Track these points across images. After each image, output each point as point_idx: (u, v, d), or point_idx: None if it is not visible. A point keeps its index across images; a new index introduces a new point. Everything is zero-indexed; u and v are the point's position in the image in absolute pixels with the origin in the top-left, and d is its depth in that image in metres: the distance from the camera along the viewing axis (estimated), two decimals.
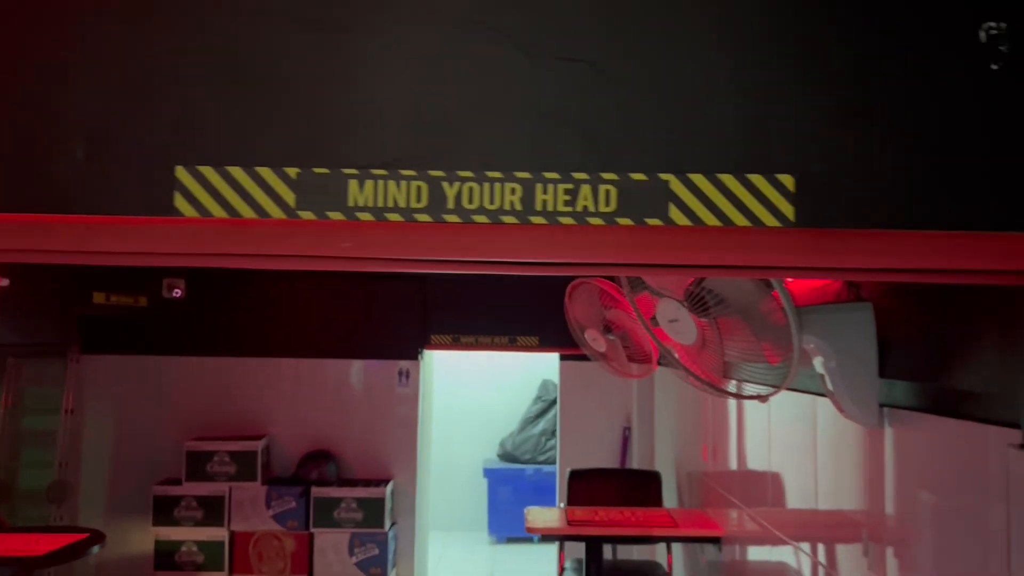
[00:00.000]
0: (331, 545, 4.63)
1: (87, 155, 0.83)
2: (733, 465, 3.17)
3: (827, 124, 0.87)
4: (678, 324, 1.74)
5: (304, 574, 4.62)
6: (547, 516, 3.40)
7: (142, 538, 4.73)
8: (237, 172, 0.84)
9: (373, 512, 4.64)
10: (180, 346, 5.03)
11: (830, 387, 1.79)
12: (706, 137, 0.87)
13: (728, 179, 0.86)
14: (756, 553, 2.89)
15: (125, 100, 0.84)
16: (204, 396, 4.98)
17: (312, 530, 4.64)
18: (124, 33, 0.85)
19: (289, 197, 0.85)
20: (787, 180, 0.87)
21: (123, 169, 0.83)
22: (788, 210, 0.87)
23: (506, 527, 6.96)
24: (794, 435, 2.46)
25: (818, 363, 1.80)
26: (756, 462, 2.87)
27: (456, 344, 5.10)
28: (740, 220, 0.86)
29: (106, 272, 4.34)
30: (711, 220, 0.86)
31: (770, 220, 0.86)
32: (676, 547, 4.14)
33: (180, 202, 0.84)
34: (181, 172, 0.84)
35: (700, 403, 3.67)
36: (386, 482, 4.79)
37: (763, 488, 2.78)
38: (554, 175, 0.86)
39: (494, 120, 0.85)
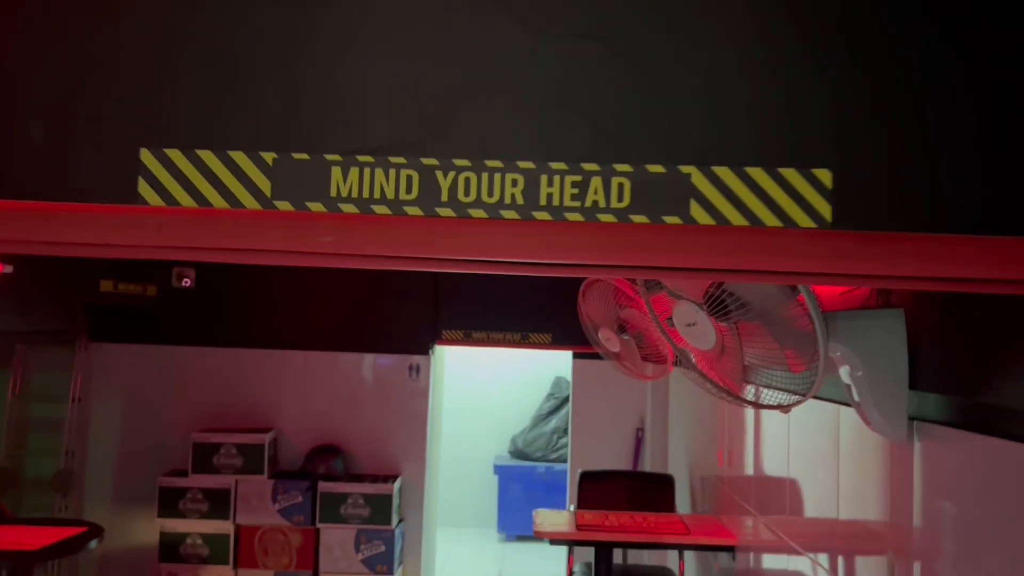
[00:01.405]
0: (337, 541, 4.56)
1: (44, 136, 0.74)
2: (749, 471, 3.06)
3: (871, 112, 0.77)
4: (696, 328, 1.64)
5: (310, 569, 4.55)
6: (556, 520, 3.31)
7: (147, 529, 4.68)
8: (208, 156, 0.75)
9: (380, 508, 4.57)
10: (189, 336, 4.97)
11: (856, 398, 1.69)
12: (733, 125, 0.77)
13: (757, 173, 0.76)
14: (771, 563, 2.79)
15: (85, 75, 0.75)
16: (212, 387, 4.92)
17: (318, 525, 4.58)
18: (86, 2, 0.76)
19: (265, 185, 0.75)
20: (824, 175, 0.77)
21: (82, 152, 0.74)
22: (825, 209, 0.77)
23: (516, 525, 6.88)
24: (815, 444, 2.36)
25: (844, 372, 1.69)
26: (773, 470, 2.77)
27: (468, 340, 5.02)
28: (770, 220, 0.76)
29: (114, 260, 4.29)
30: (737, 219, 0.76)
31: (804, 220, 0.76)
32: (688, 553, 4.04)
33: (144, 189, 0.75)
34: (146, 155, 0.75)
35: (716, 406, 3.56)
36: (394, 478, 4.72)
37: (780, 497, 2.68)
38: (561, 165, 0.76)
39: (493, 102, 0.75)
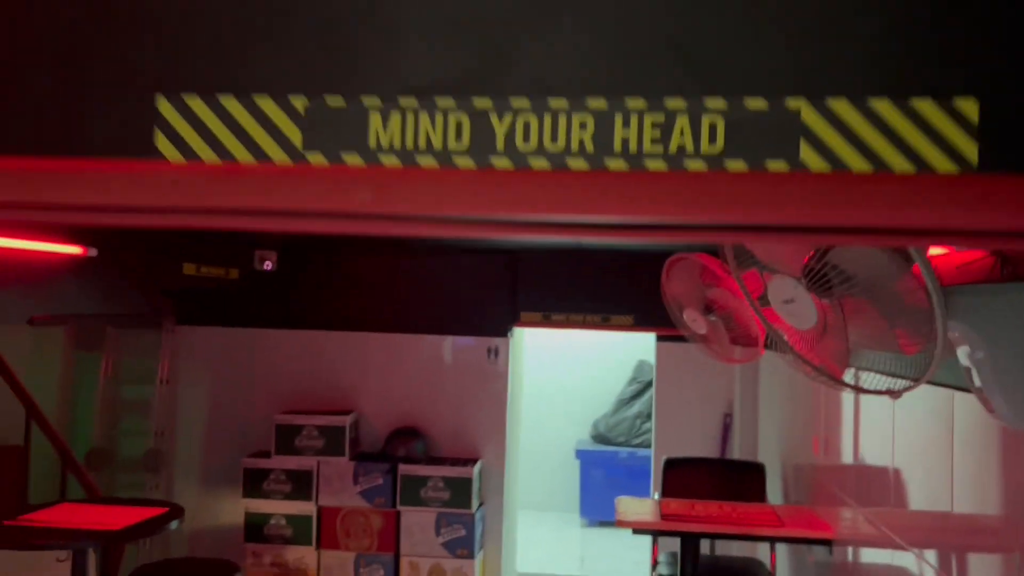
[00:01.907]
0: (417, 524, 4.53)
1: (53, 84, 0.66)
2: (848, 460, 2.86)
3: None
4: (794, 306, 1.48)
5: (391, 552, 4.54)
6: (639, 508, 3.17)
7: (233, 509, 4.75)
8: (231, 103, 0.65)
9: (460, 492, 4.52)
10: (271, 319, 5.02)
11: (977, 382, 1.50)
12: (852, 45, 0.62)
13: (883, 105, 0.61)
14: (871, 557, 2.59)
15: (98, 13, 0.66)
16: (294, 370, 4.95)
17: (399, 508, 4.56)
18: None
19: (295, 135, 0.65)
20: (968, 107, 0.61)
21: (93, 100, 0.65)
22: (969, 149, 0.61)
23: (598, 510, 6.76)
24: (925, 431, 2.16)
25: (963, 353, 1.50)
26: (876, 459, 2.56)
27: (547, 322, 4.90)
28: (900, 164, 0.61)
29: (197, 243, 4.33)
30: (858, 164, 0.61)
31: (943, 164, 0.61)
32: (780, 545, 3.84)
33: (162, 142, 0.66)
34: (163, 104, 0.66)
35: (812, 391, 3.35)
36: (474, 461, 4.66)
37: (884, 488, 2.48)
38: (639, 103, 0.62)
39: (558, 28, 0.63)
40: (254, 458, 4.68)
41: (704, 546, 4.07)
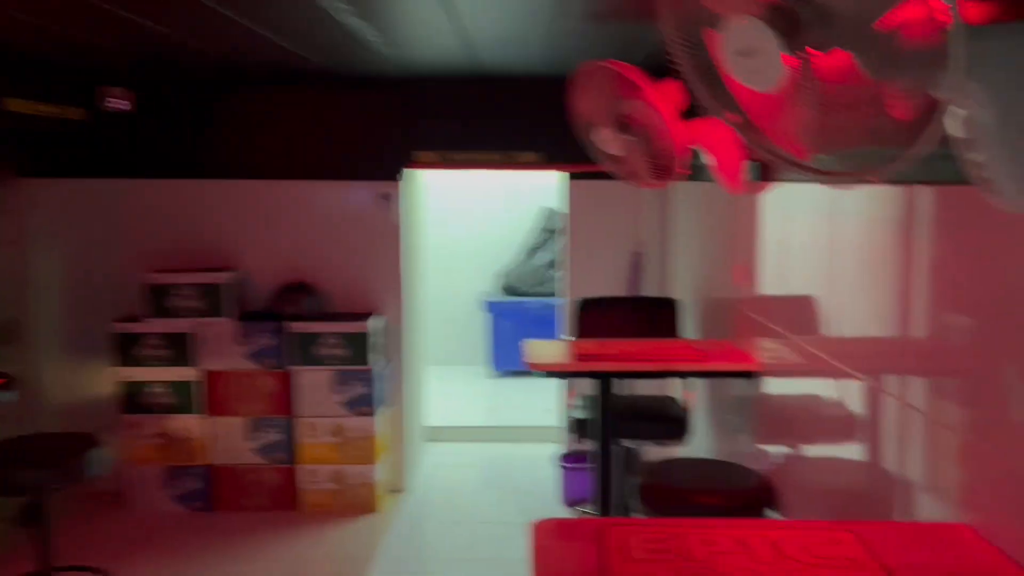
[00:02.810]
0: (313, 384, 4.21)
1: None
2: (777, 287, 2.63)
3: None
4: (753, 60, 1.12)
5: (286, 414, 4.23)
6: (549, 350, 2.91)
7: (106, 379, 4.31)
8: None
9: (357, 348, 4.19)
10: (133, 168, 4.42)
11: (977, 155, 1.19)
12: None
13: None
14: (806, 388, 2.40)
15: None
16: (164, 224, 4.42)
17: (291, 368, 4.21)
18: None
19: None
20: None
21: None
22: None
23: (508, 361, 6.60)
24: (875, 241, 1.89)
25: (958, 117, 1.19)
26: (814, 280, 2.32)
27: (444, 162, 4.47)
28: None
29: (23, 75, 3.66)
30: None
31: None
32: (698, 382, 3.69)
33: None
34: None
35: (732, 215, 3.09)
36: (371, 316, 4.31)
37: (824, 312, 2.24)
38: None
39: None
40: (124, 323, 4.20)
41: (618, 387, 3.90)
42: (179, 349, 4.18)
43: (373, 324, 4.26)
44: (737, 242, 3.00)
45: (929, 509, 1.56)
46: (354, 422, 4.21)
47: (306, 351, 4.19)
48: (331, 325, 4.20)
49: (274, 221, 4.43)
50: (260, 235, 4.43)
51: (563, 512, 4.13)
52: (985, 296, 1.41)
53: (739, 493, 2.31)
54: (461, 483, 4.68)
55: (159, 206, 4.42)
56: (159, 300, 4.17)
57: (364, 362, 4.19)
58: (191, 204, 4.42)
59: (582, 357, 2.75)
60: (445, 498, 4.48)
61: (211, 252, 4.41)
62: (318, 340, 4.19)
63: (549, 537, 1.35)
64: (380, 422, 4.32)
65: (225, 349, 4.20)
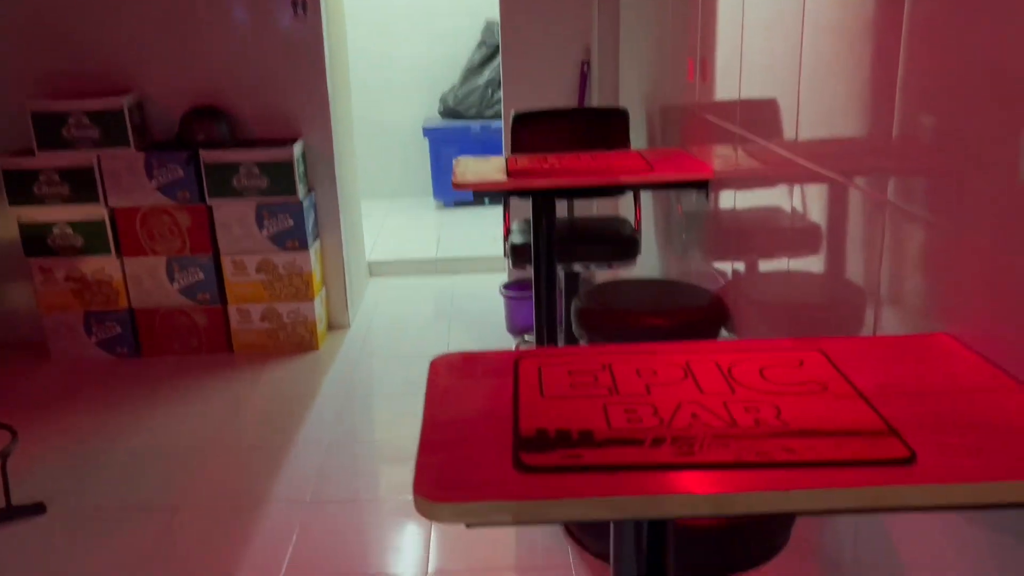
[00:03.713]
0: (234, 218, 3.87)
1: None
2: (736, 83, 2.30)
3: None
4: None
5: (208, 252, 3.91)
6: (481, 167, 2.59)
7: (3, 223, 3.92)
8: None
9: (281, 178, 3.83)
10: None
11: None
12: None
13: None
14: (763, 197, 2.13)
15: None
16: (44, 42, 3.88)
17: (209, 202, 3.85)
18: None
19: None
20: None
21: None
22: None
23: (452, 191, 6.26)
24: (861, 14, 1.56)
25: None
26: (774, 76, 2.00)
27: None
28: None
29: None
30: None
31: None
32: (646, 199, 3.43)
33: None
34: None
35: (685, 10, 2.71)
36: (293, 141, 3.92)
37: (784, 110, 1.94)
38: None
39: None
40: (15, 158, 3.77)
41: (562, 209, 3.63)
42: (81, 185, 3.78)
43: (298, 151, 3.88)
44: (691, 38, 2.63)
45: (904, 321, 1.33)
46: (284, 257, 3.92)
47: (224, 183, 3.82)
48: (251, 153, 3.81)
49: (176, 35, 3.92)
50: (161, 52, 3.92)
51: (511, 342, 3.97)
52: (960, 90, 1.11)
53: (687, 312, 2.09)
54: (407, 317, 4.48)
55: (42, 20, 3.86)
56: (52, 130, 3.72)
57: (291, 193, 3.84)
58: (79, 17, 3.87)
59: (516, 174, 2.44)
60: (390, 333, 4.28)
61: (106, 74, 3.92)
62: (237, 170, 3.81)
63: (448, 375, 1.09)
64: (315, 257, 4.03)
65: (133, 183, 3.81)
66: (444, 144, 6.23)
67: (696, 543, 1.28)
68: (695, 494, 0.81)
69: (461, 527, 2.80)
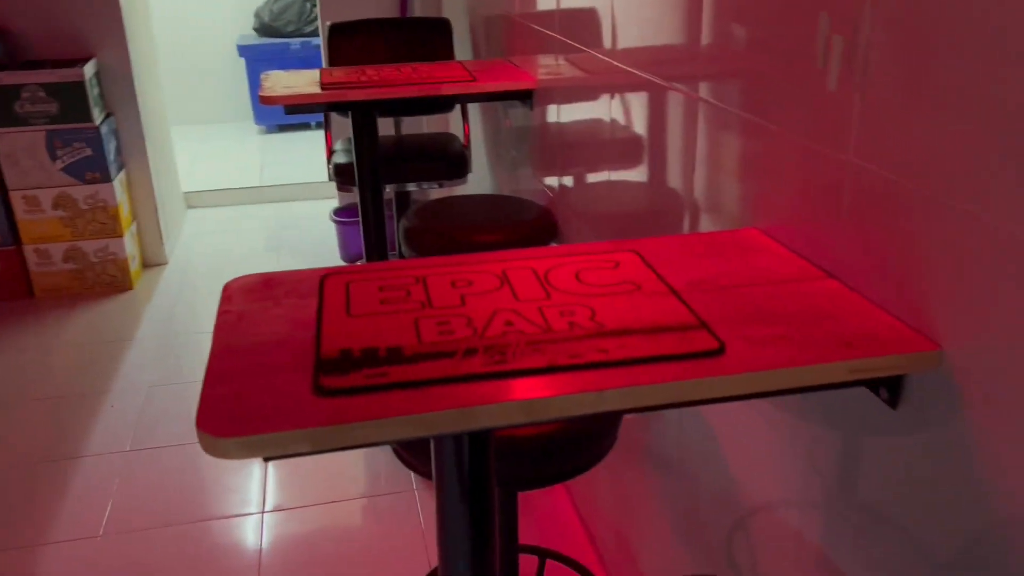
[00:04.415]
0: (22, 148, 3.47)
1: None
2: None
3: None
4: None
5: None
6: (293, 81, 2.41)
7: None
8: None
9: (73, 102, 3.45)
10: None
11: None
12: None
13: None
14: (585, 110, 2.10)
15: None
16: None
17: None
18: None
19: None
20: None
21: None
22: None
23: (274, 114, 5.93)
24: None
25: None
26: None
27: None
28: None
29: None
30: None
31: None
32: (474, 114, 3.35)
33: None
34: None
35: None
36: (85, 61, 3.53)
37: (605, 17, 1.90)
38: None
39: None
40: None
41: (388, 127, 3.50)
42: None
43: (90, 72, 3.50)
44: None
45: (716, 221, 1.35)
46: (85, 191, 3.57)
47: (5, 109, 3.40)
48: (35, 74, 3.40)
49: None
50: None
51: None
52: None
53: (514, 226, 2.06)
54: (231, 250, 4.23)
55: None
56: None
57: (85, 119, 3.48)
58: None
59: (329, 87, 2.29)
60: (213, 267, 4.03)
61: None
62: (20, 94, 3.39)
63: (243, 299, 0.99)
64: (120, 189, 3.69)
65: None
66: (262, 64, 5.85)
67: (523, 454, 1.27)
68: (507, 402, 0.77)
69: (297, 463, 2.69)
